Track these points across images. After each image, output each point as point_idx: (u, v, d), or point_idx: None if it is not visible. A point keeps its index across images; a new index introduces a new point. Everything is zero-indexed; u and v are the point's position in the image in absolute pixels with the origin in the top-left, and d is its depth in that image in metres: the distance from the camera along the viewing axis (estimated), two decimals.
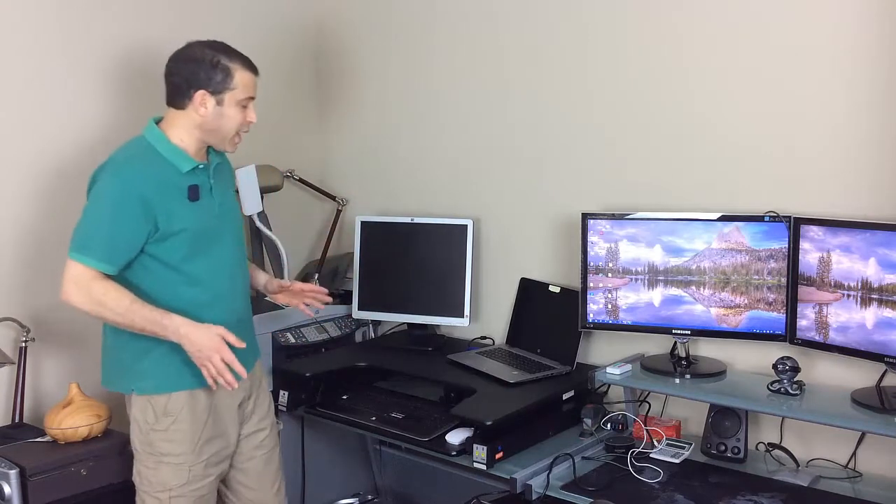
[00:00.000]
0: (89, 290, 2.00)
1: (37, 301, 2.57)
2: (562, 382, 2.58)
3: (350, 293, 3.13)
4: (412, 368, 2.80)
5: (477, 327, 3.04)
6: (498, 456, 2.31)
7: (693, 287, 2.43)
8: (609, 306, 2.54)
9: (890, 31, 2.15)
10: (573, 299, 2.61)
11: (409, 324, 3.10)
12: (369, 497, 3.23)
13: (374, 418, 2.60)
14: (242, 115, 2.15)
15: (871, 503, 2.08)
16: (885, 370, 2.15)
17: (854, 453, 2.26)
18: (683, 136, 2.53)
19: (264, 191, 2.98)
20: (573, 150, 2.77)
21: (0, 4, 2.48)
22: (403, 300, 3.04)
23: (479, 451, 2.29)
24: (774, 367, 2.27)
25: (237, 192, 2.73)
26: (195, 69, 2.09)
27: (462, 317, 2.92)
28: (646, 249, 2.48)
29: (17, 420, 2.49)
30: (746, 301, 2.37)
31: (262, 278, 2.52)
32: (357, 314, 3.10)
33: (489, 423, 2.28)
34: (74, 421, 2.35)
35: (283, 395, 2.74)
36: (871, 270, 2.11)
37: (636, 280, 2.50)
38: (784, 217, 2.30)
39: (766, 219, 2.33)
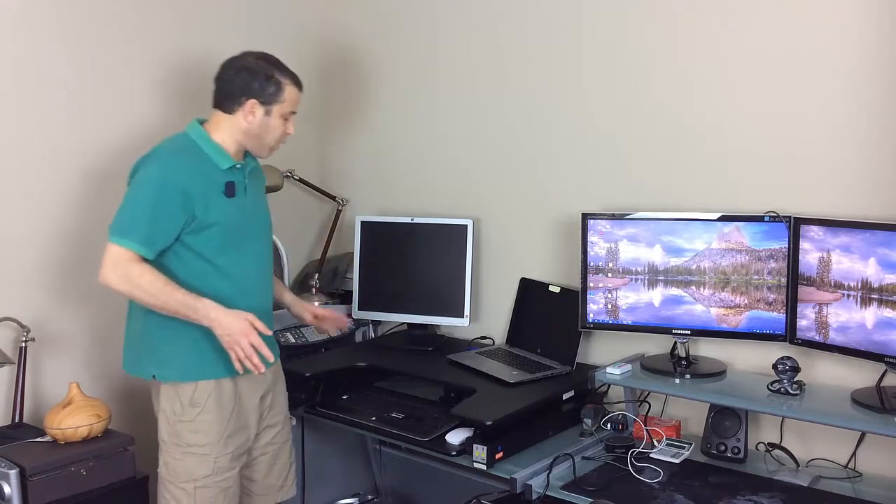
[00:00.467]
0: (127, 272, 2.08)
1: (37, 301, 2.57)
2: (562, 382, 2.58)
3: (350, 293, 3.13)
4: (412, 368, 2.80)
5: (477, 327, 3.04)
6: (498, 456, 2.31)
7: (693, 287, 2.43)
8: (609, 306, 2.54)
9: (890, 31, 2.16)
10: (573, 299, 2.61)
11: (409, 324, 3.10)
12: (369, 497, 3.23)
13: (374, 418, 2.60)
14: (284, 127, 2.29)
15: (871, 503, 2.07)
16: (885, 370, 2.15)
17: (854, 453, 2.26)
18: (683, 136, 2.53)
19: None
20: (573, 149, 2.78)
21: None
22: (403, 300, 3.04)
23: (479, 451, 2.29)
24: (774, 367, 2.27)
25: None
26: (250, 79, 2.21)
27: (462, 317, 2.93)
28: (646, 249, 2.48)
29: (17, 420, 2.49)
30: (746, 301, 2.37)
31: (288, 297, 2.59)
32: (357, 314, 3.10)
33: (489, 423, 2.28)
34: (74, 421, 2.36)
35: None
36: (871, 270, 2.11)
37: (636, 280, 2.50)
38: (784, 217, 2.30)
39: (766, 219, 2.33)
